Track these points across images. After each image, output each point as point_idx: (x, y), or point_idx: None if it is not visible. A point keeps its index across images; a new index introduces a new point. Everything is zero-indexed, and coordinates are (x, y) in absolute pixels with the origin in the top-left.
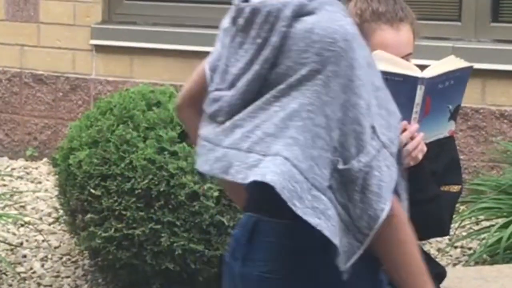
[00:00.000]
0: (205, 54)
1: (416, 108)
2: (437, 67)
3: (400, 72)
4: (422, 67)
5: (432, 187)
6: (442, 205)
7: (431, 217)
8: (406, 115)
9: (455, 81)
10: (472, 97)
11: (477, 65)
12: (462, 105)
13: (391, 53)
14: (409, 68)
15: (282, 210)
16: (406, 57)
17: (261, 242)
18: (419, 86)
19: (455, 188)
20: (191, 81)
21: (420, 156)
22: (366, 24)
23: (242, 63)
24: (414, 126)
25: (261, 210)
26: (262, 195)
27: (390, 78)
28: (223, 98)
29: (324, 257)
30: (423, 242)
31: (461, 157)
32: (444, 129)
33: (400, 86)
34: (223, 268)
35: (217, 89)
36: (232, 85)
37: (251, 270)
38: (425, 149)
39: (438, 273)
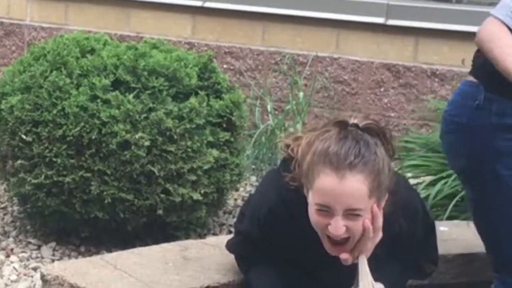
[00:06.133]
0: (141, 3)
1: None
2: None
3: None
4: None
5: None
6: None
7: None
8: None
9: None
10: (404, 54)
11: (411, 23)
12: (394, 62)
13: (329, 202)
14: None
15: None
16: (352, 211)
17: None
18: None
19: None
20: None
21: None
22: (313, 165)
23: None
24: None
25: None
26: None
27: None
28: None
29: None
30: None
31: (392, 114)
32: None
33: None
34: None
35: None
36: None
37: None
38: None
39: None
